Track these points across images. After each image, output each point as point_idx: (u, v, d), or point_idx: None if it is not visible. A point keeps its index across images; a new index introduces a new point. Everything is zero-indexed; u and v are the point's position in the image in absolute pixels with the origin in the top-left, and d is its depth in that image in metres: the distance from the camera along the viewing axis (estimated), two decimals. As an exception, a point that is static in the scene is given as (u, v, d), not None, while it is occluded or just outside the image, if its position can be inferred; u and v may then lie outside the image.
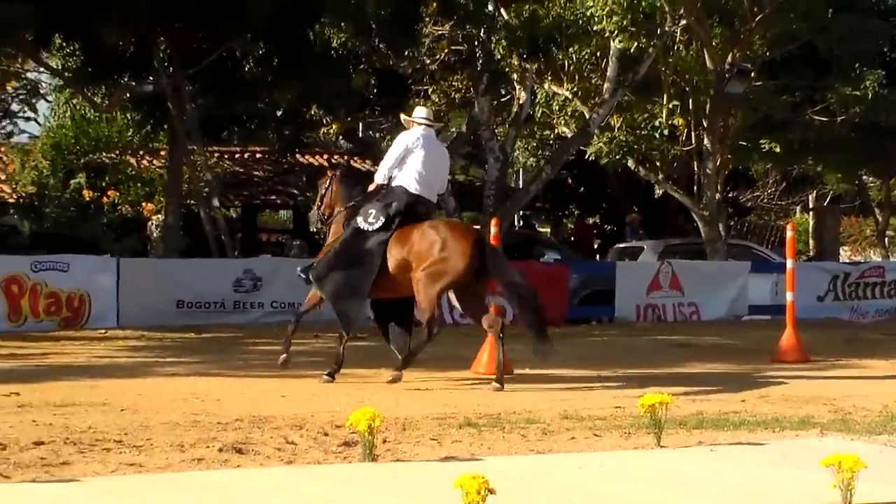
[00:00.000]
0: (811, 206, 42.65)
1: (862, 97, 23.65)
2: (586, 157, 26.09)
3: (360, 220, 12.92)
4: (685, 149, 25.63)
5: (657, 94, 25.18)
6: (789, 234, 16.61)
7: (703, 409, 10.51)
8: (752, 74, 23.77)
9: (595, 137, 25.13)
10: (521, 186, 30.94)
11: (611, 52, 23.51)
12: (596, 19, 22.28)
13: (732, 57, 23.97)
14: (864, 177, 36.26)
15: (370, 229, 12.82)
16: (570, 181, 37.11)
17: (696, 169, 25.53)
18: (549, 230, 37.54)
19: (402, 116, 13.86)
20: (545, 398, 11.22)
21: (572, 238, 34.86)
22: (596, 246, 34.80)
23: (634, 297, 21.85)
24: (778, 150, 25.52)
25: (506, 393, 11.67)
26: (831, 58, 24.80)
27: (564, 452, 8.47)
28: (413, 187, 12.97)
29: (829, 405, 10.94)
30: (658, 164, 26.43)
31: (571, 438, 9.03)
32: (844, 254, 42.52)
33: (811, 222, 40.31)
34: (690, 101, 24.97)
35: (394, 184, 13.12)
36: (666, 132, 25.33)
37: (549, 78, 25.28)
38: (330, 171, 14.32)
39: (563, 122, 26.72)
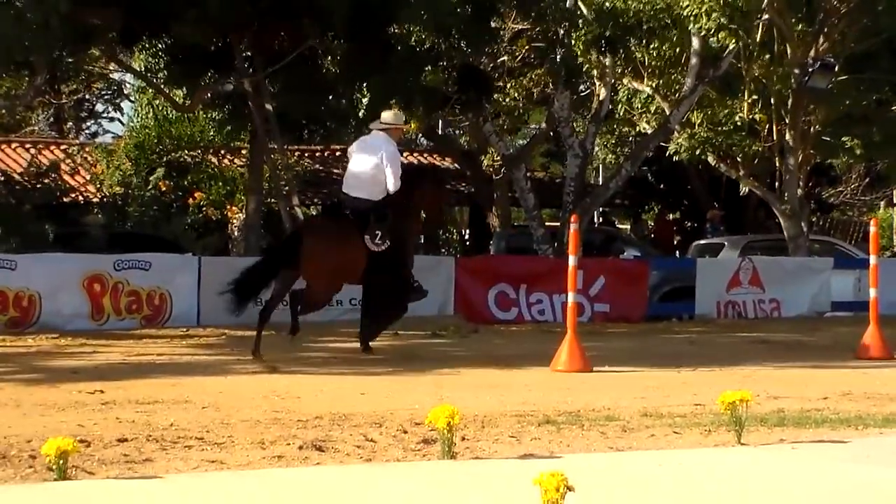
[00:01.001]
0: (895, 201, 42.17)
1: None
2: (666, 153, 25.97)
3: None
4: (766, 144, 25.42)
5: (738, 90, 24.99)
6: (873, 229, 16.43)
7: (784, 406, 10.41)
8: (836, 69, 23.52)
9: (675, 133, 25.00)
10: (600, 183, 30.88)
11: (691, 48, 23.36)
12: (693, 18, 22.08)
13: (816, 51, 23.73)
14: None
15: None
16: (650, 178, 36.96)
17: (777, 165, 25.33)
18: (629, 227, 37.41)
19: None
20: (625, 395, 11.17)
21: (652, 235, 34.71)
22: (676, 242, 34.61)
23: (715, 293, 21.71)
24: (859, 147, 25.25)
25: (585, 390, 11.63)
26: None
27: (644, 450, 8.42)
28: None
29: (914, 403, 10.81)
30: (739, 160, 26.23)
31: (651, 436, 8.98)
32: (930, 249, 41.91)
33: (895, 218, 39.85)
34: (772, 96, 24.77)
35: None
36: (747, 128, 25.14)
37: (629, 74, 25.18)
38: None
39: (643, 119, 26.62)
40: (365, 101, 21.51)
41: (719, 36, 22.33)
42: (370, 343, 14.90)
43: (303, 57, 21.28)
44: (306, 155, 32.80)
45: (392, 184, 14.19)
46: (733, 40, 22.48)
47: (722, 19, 21.93)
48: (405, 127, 15.39)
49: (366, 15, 20.46)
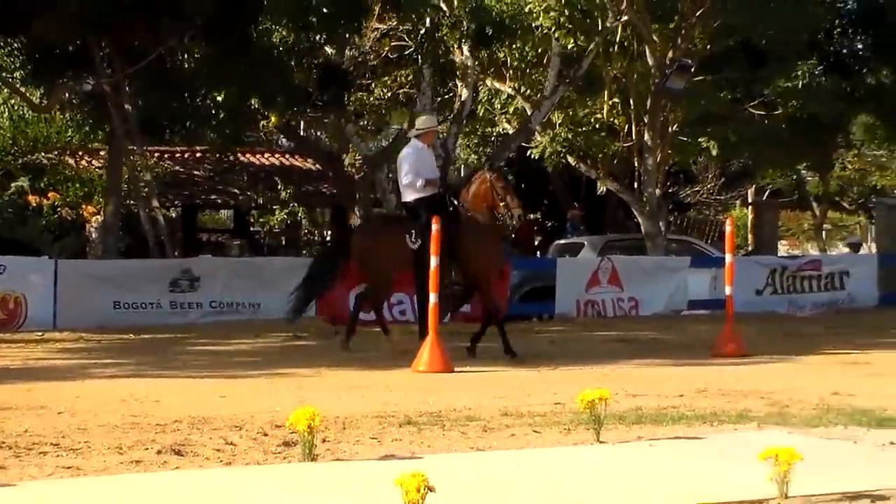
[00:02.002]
0: (750, 200, 42.99)
1: (796, 88, 23.81)
2: (527, 154, 26.16)
3: None
4: (626, 145, 25.75)
5: (598, 91, 25.27)
6: (728, 228, 16.71)
7: (642, 404, 10.55)
8: (693, 69, 23.89)
9: (537, 135, 25.19)
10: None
11: (552, 49, 23.56)
12: (534, 15, 22.31)
13: (673, 52, 24.09)
14: (802, 171, 36.60)
15: None
16: (510, 178, 37.15)
17: (636, 165, 25.65)
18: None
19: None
20: (486, 395, 11.22)
21: (513, 235, 34.88)
22: (537, 242, 34.86)
23: (574, 293, 21.91)
24: (715, 147, 25.69)
25: (446, 390, 11.66)
26: (767, 50, 24.96)
27: (504, 449, 8.47)
28: None
29: (767, 399, 11.01)
30: (599, 160, 26.52)
31: (511, 435, 9.03)
32: (783, 248, 42.84)
33: (750, 217, 40.63)
34: (631, 97, 25.08)
35: None
36: (606, 128, 25.43)
37: (492, 74, 25.31)
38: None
39: (504, 119, 26.78)
40: (222, 100, 21.33)
41: (558, 34, 22.54)
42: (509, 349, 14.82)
43: (163, 57, 21.04)
44: (166, 156, 32.41)
45: (404, 183, 15.07)
46: (572, 40, 22.71)
47: (561, 18, 22.12)
48: (438, 128, 15.90)
49: (226, 14, 20.29)
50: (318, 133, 35.10)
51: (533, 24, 22.72)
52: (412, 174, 14.98)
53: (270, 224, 31.65)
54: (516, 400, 10.90)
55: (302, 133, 32.73)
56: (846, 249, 28.61)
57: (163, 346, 16.07)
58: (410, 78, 25.44)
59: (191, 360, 14.71)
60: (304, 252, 30.83)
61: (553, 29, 22.31)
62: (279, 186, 29.27)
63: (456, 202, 15.05)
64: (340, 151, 30.41)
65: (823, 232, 35.71)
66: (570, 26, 22.35)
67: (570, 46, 22.79)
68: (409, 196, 15.17)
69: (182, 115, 22.71)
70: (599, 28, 23.03)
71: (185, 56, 22.15)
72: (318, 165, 32.46)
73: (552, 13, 22.05)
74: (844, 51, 28.31)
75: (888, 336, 18.33)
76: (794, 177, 37.80)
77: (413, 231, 14.78)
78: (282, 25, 22.32)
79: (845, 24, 28.32)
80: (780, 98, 24.46)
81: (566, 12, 22.06)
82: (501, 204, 14.90)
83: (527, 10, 22.42)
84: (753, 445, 7.72)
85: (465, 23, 22.18)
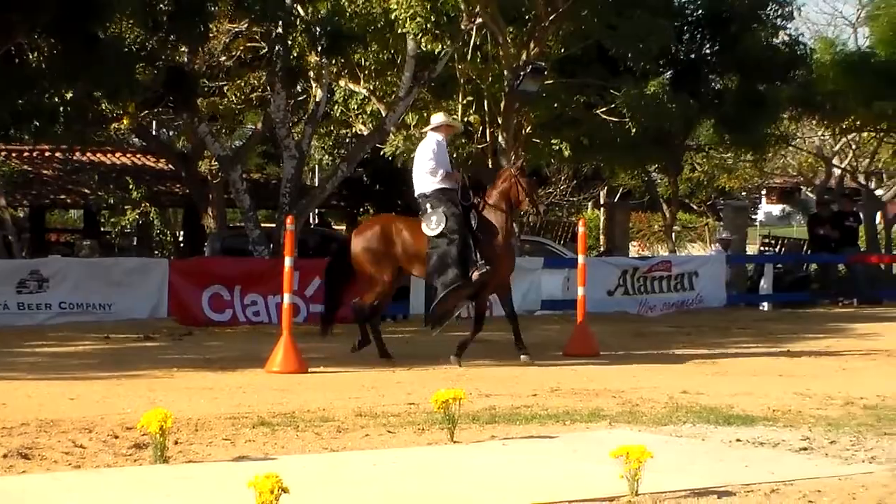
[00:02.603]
0: (602, 202, 43.51)
1: (651, 99, 24.15)
2: (381, 153, 26.14)
3: None
4: (480, 146, 25.87)
5: (453, 93, 25.35)
6: (581, 229, 16.90)
7: (495, 403, 10.62)
8: (546, 72, 24.08)
9: (391, 135, 25.19)
10: (317, 184, 30.85)
11: (407, 51, 23.58)
12: (400, 22, 22.30)
13: (527, 55, 24.26)
14: (653, 173, 37.17)
15: None
16: (365, 179, 37.15)
17: (490, 166, 25.78)
18: (344, 228, 37.53)
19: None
20: (340, 396, 11.20)
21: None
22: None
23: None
24: (568, 149, 25.93)
25: (301, 391, 11.62)
26: (619, 57, 25.28)
27: (359, 450, 8.47)
28: None
29: (618, 398, 11.16)
30: (453, 161, 26.59)
31: (366, 436, 9.03)
32: (633, 249, 43.43)
33: (602, 218, 41.12)
34: (485, 99, 25.21)
35: None
36: (461, 129, 25.50)
37: (346, 76, 25.23)
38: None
39: (359, 121, 26.73)
40: (69, 98, 20.95)
41: (424, 40, 22.60)
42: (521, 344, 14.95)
43: (9, 54, 20.60)
44: (13, 155, 31.77)
45: (426, 170, 14.99)
46: (439, 45, 22.79)
47: (427, 24, 22.19)
48: (458, 125, 15.86)
49: (75, 11, 19.94)
50: (171, 133, 34.76)
51: (395, 27, 22.69)
52: (435, 162, 15.00)
53: (122, 224, 31.18)
54: (370, 400, 10.90)
55: (154, 133, 32.36)
56: (717, 246, 29.04)
57: (10, 348, 15.73)
58: (264, 80, 25.27)
59: (39, 361, 14.43)
60: (157, 252, 30.46)
61: (419, 35, 22.32)
62: (131, 186, 28.83)
63: (478, 199, 15.11)
64: (193, 152, 30.13)
65: (673, 233, 36.20)
66: (437, 32, 22.39)
67: (428, 48, 22.81)
68: (426, 185, 15.04)
69: (29, 113, 22.24)
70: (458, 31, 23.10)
71: (34, 53, 21.71)
72: (170, 165, 32.10)
73: (419, 19, 22.06)
74: (693, 56, 28.78)
75: (734, 336, 18.70)
76: (645, 179, 38.36)
77: (434, 218, 14.69)
78: (129, 25, 22.00)
79: (694, 30, 28.83)
80: (630, 109, 24.80)
81: (433, 18, 22.08)
82: (526, 199, 14.97)
83: (392, 16, 22.37)
84: (605, 444, 7.82)
85: (317, 28, 22.09)
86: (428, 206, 14.85)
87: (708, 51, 28.64)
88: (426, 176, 15.05)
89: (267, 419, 9.65)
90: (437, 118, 15.68)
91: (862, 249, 30.75)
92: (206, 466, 7.78)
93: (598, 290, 21.84)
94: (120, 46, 20.75)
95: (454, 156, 26.35)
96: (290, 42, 22.47)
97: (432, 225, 14.68)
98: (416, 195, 15.19)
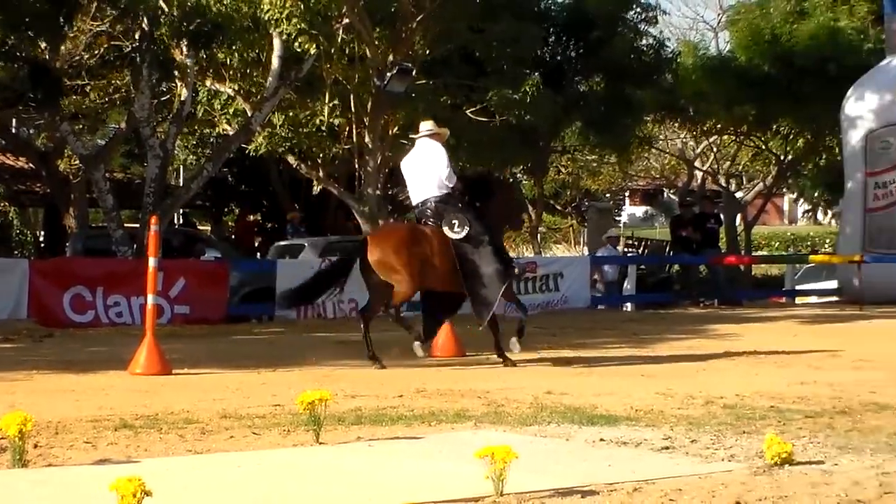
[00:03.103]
0: (468, 203, 43.71)
1: (521, 100, 24.36)
2: (247, 151, 25.99)
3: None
4: (346, 147, 25.85)
5: (319, 93, 25.28)
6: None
7: (361, 405, 10.61)
8: (413, 73, 24.15)
9: (258, 136, 25.09)
10: (181, 184, 30.59)
11: (274, 51, 23.46)
12: (274, 22, 22.16)
13: (394, 56, 24.30)
14: (518, 174, 37.46)
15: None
16: (230, 179, 36.92)
17: (356, 167, 25.78)
18: (209, 228, 37.26)
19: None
20: (204, 398, 11.11)
21: (233, 236, 34.72)
22: (257, 244, 34.73)
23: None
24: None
25: (164, 393, 11.50)
26: (489, 59, 25.47)
27: (223, 452, 8.41)
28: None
29: (484, 398, 11.21)
30: (319, 161, 26.55)
31: (230, 437, 8.97)
32: (500, 250, 43.68)
33: (468, 220, 41.28)
34: (352, 99, 25.19)
35: None
36: (327, 130, 25.47)
37: (211, 75, 25.05)
38: None
39: (224, 120, 26.54)
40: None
41: (300, 41, 22.52)
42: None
43: None
44: None
45: (443, 176, 14.87)
46: (313, 45, 22.72)
47: (302, 24, 22.14)
48: (442, 130, 15.75)
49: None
50: (31, 131, 34.20)
51: (266, 27, 22.55)
52: (450, 169, 15.01)
53: (-20, 223, 30.66)
54: (235, 402, 10.83)
55: (13, 131, 31.80)
56: (608, 245, 29.30)
57: None
58: (127, 79, 24.97)
59: None
60: (17, 252, 29.97)
61: (295, 35, 22.22)
62: (-11, 185, 28.41)
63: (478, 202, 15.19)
64: (55, 151, 29.69)
65: (539, 234, 36.54)
66: (314, 32, 22.31)
67: (304, 48, 22.66)
68: (436, 190, 14.88)
69: None
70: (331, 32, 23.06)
71: None
72: (30, 164, 31.58)
73: (294, 20, 21.96)
74: (559, 58, 29.09)
75: (599, 336, 18.92)
76: (511, 180, 38.66)
77: (455, 222, 14.60)
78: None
79: (559, 33, 29.15)
80: (499, 108, 24.95)
81: (307, 18, 22.00)
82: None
83: (266, 17, 22.22)
84: (470, 444, 7.85)
85: (182, 23, 21.87)
86: (444, 210, 14.77)
87: (573, 54, 28.97)
88: (439, 181, 14.91)
89: (130, 422, 9.54)
90: (430, 126, 15.58)
91: (722, 251, 31.29)
92: (66, 470, 7.67)
93: (464, 291, 21.91)
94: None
95: (321, 157, 26.37)
96: (154, 38, 22.21)
97: (456, 228, 14.62)
98: (422, 200, 15.06)
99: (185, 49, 22.55)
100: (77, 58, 25.71)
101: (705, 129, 35.55)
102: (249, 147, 25.16)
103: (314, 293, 15.68)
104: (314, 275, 16.08)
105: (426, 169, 15.05)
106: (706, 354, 15.77)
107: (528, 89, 24.32)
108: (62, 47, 23.66)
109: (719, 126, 34.84)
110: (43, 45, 22.90)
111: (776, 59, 30.66)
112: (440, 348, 15.51)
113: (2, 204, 29.05)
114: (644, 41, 29.45)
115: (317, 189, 28.10)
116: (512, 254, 43.20)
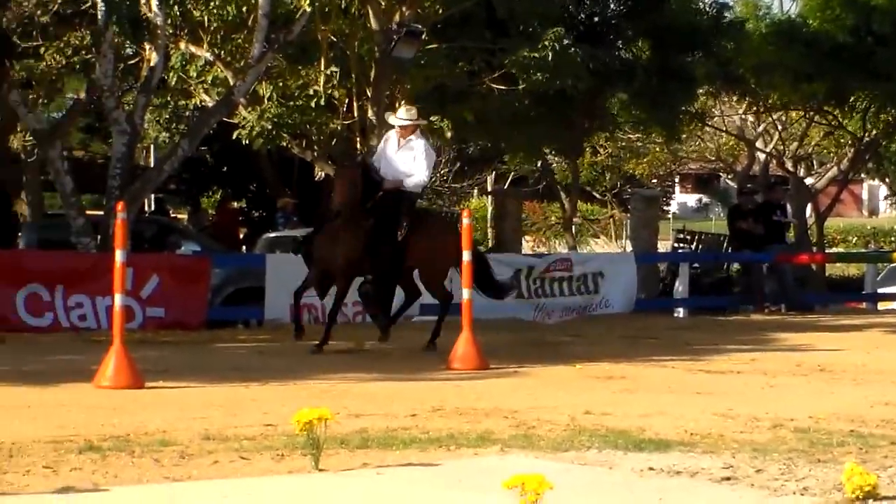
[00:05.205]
0: (490, 189, 43.75)
1: (542, 59, 24.29)
2: (234, 136, 25.93)
3: None
4: (346, 122, 25.85)
5: (314, 59, 25.28)
6: (465, 221, 16.95)
7: (367, 425, 10.64)
8: (424, 36, 24.15)
9: (242, 110, 25.06)
10: (152, 165, 30.64)
11: (259, 8, 23.47)
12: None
13: (401, 15, 24.30)
14: (549, 156, 37.43)
15: None
16: (210, 159, 36.97)
17: (359, 146, 25.80)
18: (186, 216, 37.33)
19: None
20: (183, 416, 11.15)
21: (214, 226, 34.77)
22: (242, 235, 34.79)
23: (288, 295, 21.82)
24: (450, 128, 26.01)
25: (136, 410, 11.55)
26: (510, 17, 25.42)
27: (206, 479, 8.45)
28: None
29: (511, 419, 11.23)
30: (315, 140, 26.56)
31: (215, 462, 9.01)
32: (527, 244, 43.78)
33: (490, 208, 41.33)
34: (352, 67, 25.19)
35: None
36: (323, 103, 25.46)
37: (186, 36, 25.04)
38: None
39: (202, 90, 26.53)
40: None
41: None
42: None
43: None
44: None
45: (424, 175, 17.46)
46: (307, 1, 22.71)
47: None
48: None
49: None
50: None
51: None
52: (429, 173, 17.33)
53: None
54: (220, 421, 10.87)
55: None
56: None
57: None
58: (88, 40, 24.96)
59: None
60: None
61: None
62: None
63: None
64: (4, 125, 29.73)
65: (574, 226, 36.57)
66: None
67: (290, 5, 22.65)
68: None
69: None
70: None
71: None
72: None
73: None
74: (596, 19, 29.06)
75: (645, 346, 18.90)
76: (540, 163, 38.65)
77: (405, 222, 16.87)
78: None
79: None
80: (523, 71, 24.87)
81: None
82: None
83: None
84: (497, 472, 7.88)
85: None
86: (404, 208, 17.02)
87: (615, 14, 28.92)
88: (413, 183, 17.09)
89: (96, 443, 9.58)
90: (414, 114, 17.46)
91: (790, 247, 31.23)
92: (22, 499, 7.72)
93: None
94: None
95: (316, 134, 26.35)
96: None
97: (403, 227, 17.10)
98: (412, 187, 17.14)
99: (155, 4, 22.54)
100: (27, 14, 25.73)
101: (769, 104, 35.50)
102: (241, 132, 25.06)
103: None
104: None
105: (420, 161, 16.95)
106: (772, 369, 15.77)
107: (549, 45, 24.21)
108: (9, 2, 23.67)
109: (785, 101, 34.79)
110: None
111: (853, 25, 30.63)
112: (460, 359, 15.52)
113: (-60, 188, 29.13)
114: (703, 2, 29.45)
115: (320, 175, 28.02)
116: (542, 248, 43.41)
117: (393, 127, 17.71)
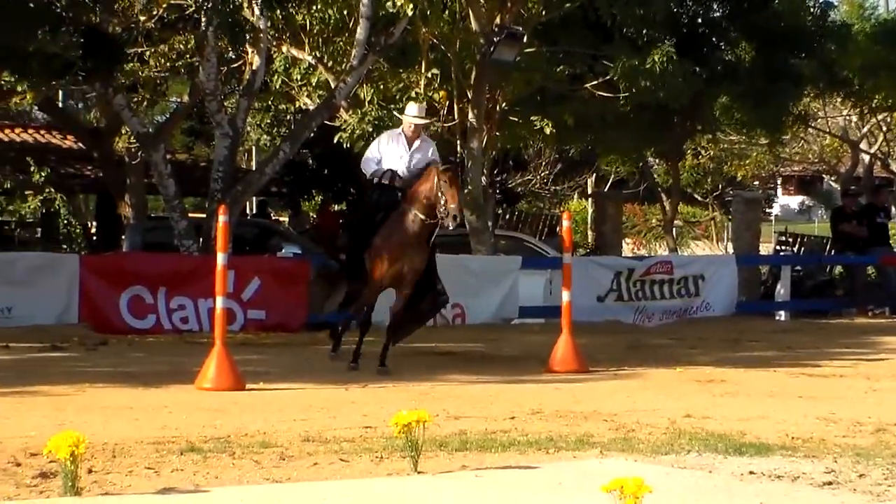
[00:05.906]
0: (590, 191, 43.61)
1: (649, 73, 24.20)
2: (336, 140, 26.01)
3: None
4: (447, 125, 25.88)
5: (414, 62, 25.33)
6: (566, 223, 16.92)
7: (466, 427, 10.65)
8: (525, 39, 24.11)
9: (343, 113, 25.14)
10: (254, 168, 30.84)
11: (360, 12, 23.55)
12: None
13: (501, 18, 24.29)
14: (650, 158, 37.28)
15: None
16: (311, 162, 37.12)
17: (459, 149, 25.82)
18: (287, 219, 37.52)
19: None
20: (283, 418, 11.21)
21: (315, 228, 34.91)
22: (343, 237, 34.85)
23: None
24: (550, 129, 25.95)
25: (237, 412, 11.62)
26: (614, 23, 25.31)
27: (306, 481, 8.48)
28: None
29: (611, 422, 11.20)
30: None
31: (314, 464, 9.05)
32: (627, 247, 43.60)
33: (590, 210, 41.23)
34: (453, 69, 25.21)
35: None
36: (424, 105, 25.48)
37: (288, 40, 25.18)
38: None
39: (303, 93, 26.66)
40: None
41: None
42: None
43: None
44: None
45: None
46: (410, 4, 22.74)
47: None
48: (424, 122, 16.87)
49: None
50: (80, 105, 34.64)
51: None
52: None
53: (22, 213, 31.09)
54: (319, 423, 10.91)
55: (60, 105, 32.21)
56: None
57: None
58: (192, 44, 25.17)
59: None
60: (65, 247, 30.34)
61: None
62: (32, 168, 28.75)
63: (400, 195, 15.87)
64: (109, 128, 30.04)
65: (675, 229, 36.37)
66: None
67: (398, 5, 22.66)
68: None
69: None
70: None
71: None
72: (80, 144, 31.99)
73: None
74: (699, 20, 28.89)
75: (746, 349, 18.80)
76: (641, 165, 38.50)
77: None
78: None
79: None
80: (627, 81, 24.77)
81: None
82: (443, 202, 15.15)
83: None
84: (596, 476, 7.86)
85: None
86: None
87: (718, 16, 28.73)
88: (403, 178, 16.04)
89: (197, 444, 9.65)
90: (422, 112, 16.64)
91: (895, 250, 30.89)
92: (125, 499, 7.78)
93: (586, 296, 21.92)
94: (25, 6, 20.63)
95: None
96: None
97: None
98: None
99: (257, 8, 22.69)
100: (133, 20, 25.98)
101: (873, 105, 35.13)
102: (342, 136, 25.13)
103: None
104: None
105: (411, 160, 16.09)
106: (875, 373, 15.62)
107: (656, 58, 24.13)
108: (115, 7, 23.89)
109: (890, 102, 34.41)
110: (95, 6, 23.17)
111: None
112: (559, 362, 15.50)
113: (47, 190, 29.38)
114: (809, 1, 29.19)
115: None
116: (642, 251, 43.23)
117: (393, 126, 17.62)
